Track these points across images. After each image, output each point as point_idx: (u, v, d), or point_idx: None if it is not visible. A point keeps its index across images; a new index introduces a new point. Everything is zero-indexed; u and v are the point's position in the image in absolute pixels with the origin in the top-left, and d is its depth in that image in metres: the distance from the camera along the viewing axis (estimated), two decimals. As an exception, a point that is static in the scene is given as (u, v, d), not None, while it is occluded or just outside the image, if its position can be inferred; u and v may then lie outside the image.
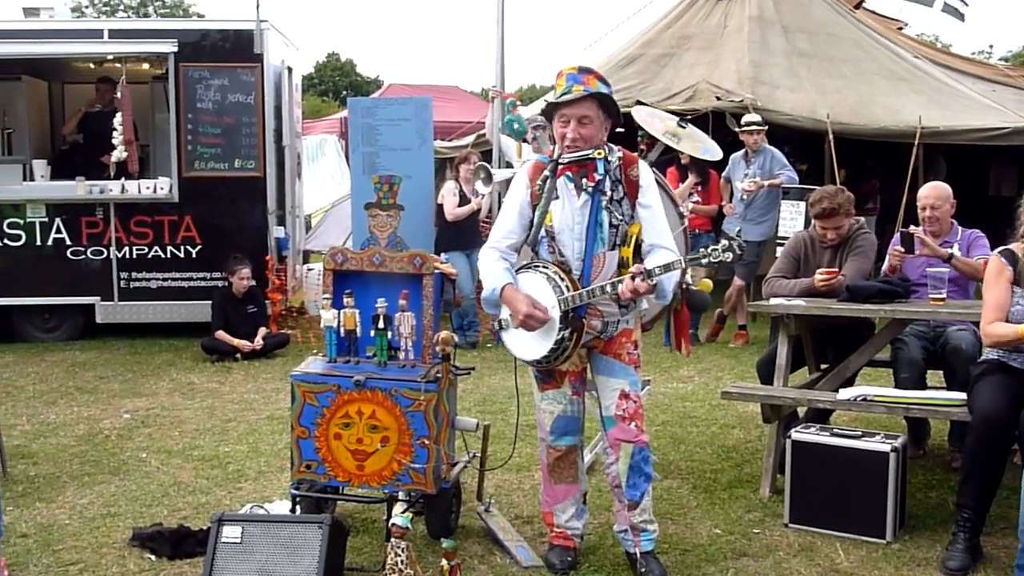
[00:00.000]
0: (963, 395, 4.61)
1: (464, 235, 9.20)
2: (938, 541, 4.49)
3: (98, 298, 9.71)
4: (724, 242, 3.74)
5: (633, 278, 3.82)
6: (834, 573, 4.25)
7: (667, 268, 3.85)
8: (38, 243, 9.63)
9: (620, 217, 4.06)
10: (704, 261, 3.79)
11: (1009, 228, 4.60)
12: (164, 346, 9.51)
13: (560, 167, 4.07)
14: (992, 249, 4.88)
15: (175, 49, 9.59)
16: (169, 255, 9.74)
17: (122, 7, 52.85)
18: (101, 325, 9.78)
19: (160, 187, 9.69)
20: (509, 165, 8.50)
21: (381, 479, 4.29)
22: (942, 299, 5.12)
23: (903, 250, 5.57)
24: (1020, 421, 4.22)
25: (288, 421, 4.42)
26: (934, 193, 5.69)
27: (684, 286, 5.12)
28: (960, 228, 5.70)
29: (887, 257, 5.70)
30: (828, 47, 12.85)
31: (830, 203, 5.62)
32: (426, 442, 4.21)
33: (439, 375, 4.28)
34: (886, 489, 4.54)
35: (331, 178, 17.62)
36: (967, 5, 14.62)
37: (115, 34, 9.94)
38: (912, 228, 5.64)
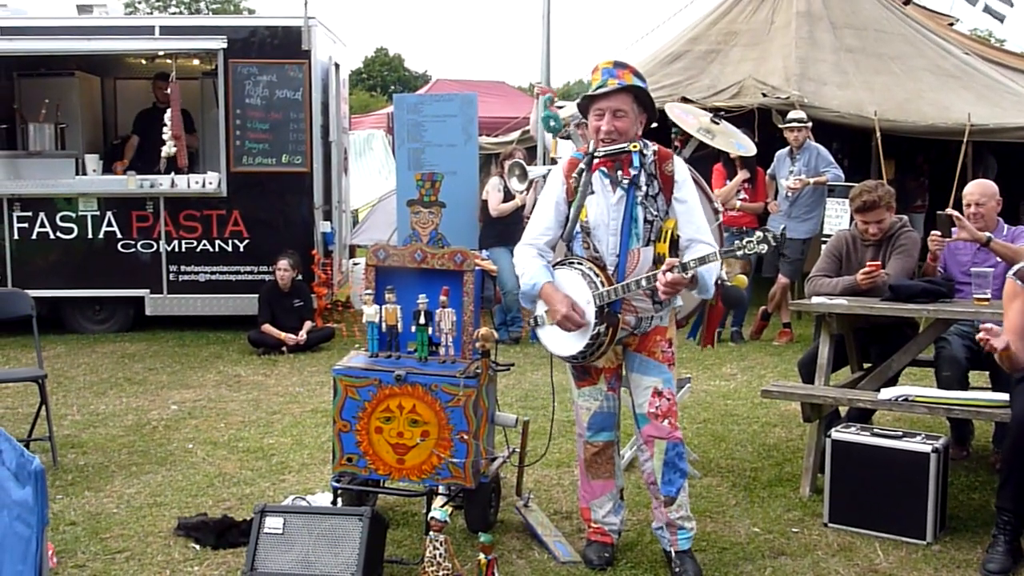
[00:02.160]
0: (1006, 396, 4.57)
1: (508, 231, 9.23)
2: (979, 543, 4.46)
3: (147, 291, 9.86)
4: (759, 234, 3.73)
5: (666, 272, 3.82)
6: (873, 573, 4.23)
7: (702, 261, 3.84)
8: (89, 236, 9.80)
9: (655, 213, 4.07)
10: (739, 253, 3.79)
11: None
12: (211, 339, 9.66)
13: (596, 161, 4.07)
14: None
15: (224, 45, 9.71)
16: (217, 249, 9.87)
17: (174, 3, 53.50)
18: (150, 317, 9.94)
19: (209, 182, 9.83)
20: (555, 161, 8.52)
21: (421, 473, 4.33)
22: (987, 299, 5.07)
23: (940, 234, 5.52)
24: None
25: (331, 414, 4.47)
26: (979, 190, 5.64)
27: (719, 281, 5.10)
28: (1006, 225, 5.64)
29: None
30: (876, 43, 12.70)
31: (870, 196, 5.58)
32: (465, 437, 4.25)
33: (479, 371, 4.32)
34: (927, 490, 4.52)
35: (378, 172, 17.75)
36: (1012, 6, 14.38)
37: (166, 30, 10.09)
38: (949, 211, 5.58)
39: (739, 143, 5.76)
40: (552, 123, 7.58)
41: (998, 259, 5.36)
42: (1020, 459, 4.27)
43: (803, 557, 4.39)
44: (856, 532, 4.63)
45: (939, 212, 5.50)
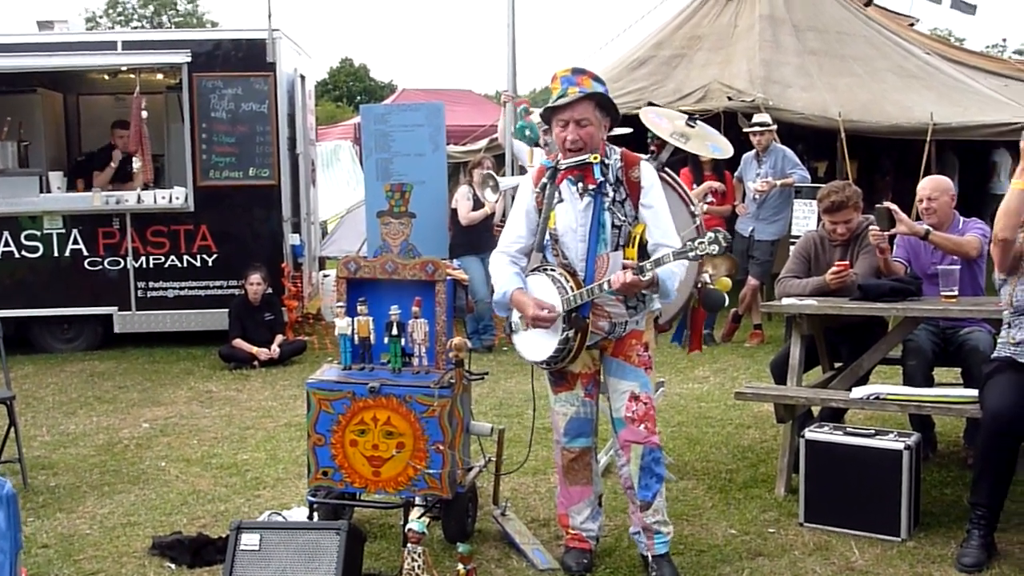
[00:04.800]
0: (975, 392, 4.62)
1: (478, 239, 9.26)
2: (953, 538, 4.50)
3: (116, 308, 9.77)
4: (710, 235, 3.74)
5: (624, 270, 3.85)
6: (849, 571, 4.25)
7: (658, 263, 3.85)
8: (55, 254, 9.69)
9: (623, 218, 4.09)
10: (691, 255, 3.79)
11: None
12: (182, 355, 9.57)
13: (561, 172, 4.11)
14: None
15: (188, 59, 9.65)
16: (186, 264, 9.80)
17: (136, 17, 53.17)
18: (119, 335, 9.85)
19: (175, 197, 9.75)
20: (523, 170, 8.52)
21: (397, 485, 4.31)
22: (954, 296, 5.13)
23: (879, 229, 5.57)
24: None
25: (305, 428, 4.45)
26: (931, 185, 5.71)
27: (700, 285, 5.13)
28: (961, 219, 5.71)
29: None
30: (839, 45, 12.82)
31: (838, 196, 5.63)
32: (441, 447, 4.24)
33: (452, 381, 4.31)
34: (900, 487, 4.55)
35: (346, 183, 17.71)
36: (974, 9, 14.59)
37: (128, 45, 10.01)
38: (887, 204, 5.64)
39: (714, 145, 5.77)
40: (528, 133, 7.61)
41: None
42: (993, 454, 4.32)
43: (780, 557, 4.41)
44: (832, 531, 4.66)
45: (877, 206, 5.57)
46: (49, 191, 9.83)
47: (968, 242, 5.46)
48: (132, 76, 10.05)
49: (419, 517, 4.00)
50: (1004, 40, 47.69)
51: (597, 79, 4.10)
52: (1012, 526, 4.50)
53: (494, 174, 8.48)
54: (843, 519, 4.67)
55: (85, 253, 9.72)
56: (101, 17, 52.30)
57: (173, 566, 4.42)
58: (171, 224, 9.76)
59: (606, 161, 4.09)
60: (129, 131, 9.92)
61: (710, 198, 9.40)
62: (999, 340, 4.63)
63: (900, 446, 4.59)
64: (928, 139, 11.07)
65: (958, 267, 5.28)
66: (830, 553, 4.44)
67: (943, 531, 4.63)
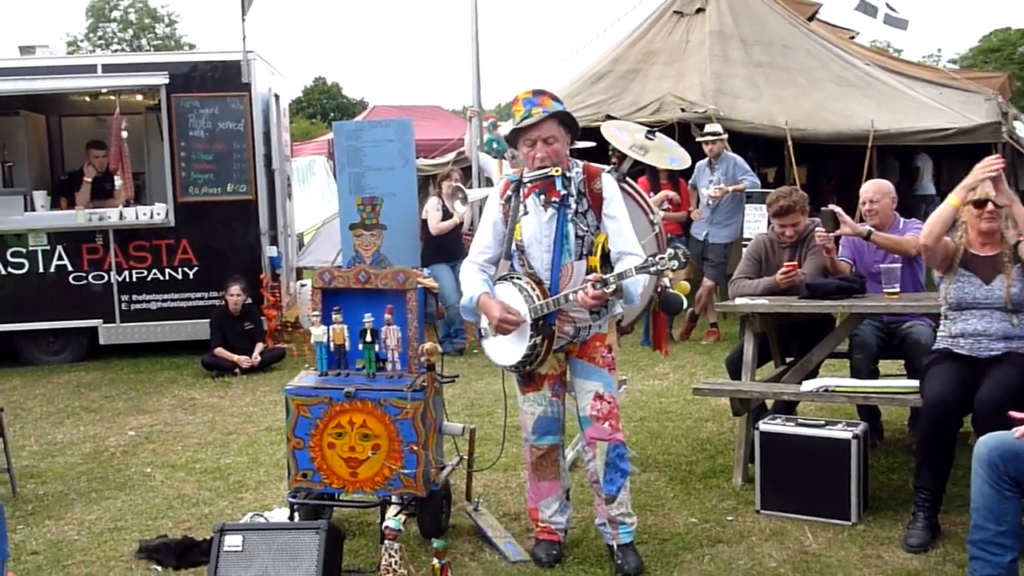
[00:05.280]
0: (917, 382, 4.67)
1: (448, 248, 9.26)
2: (900, 521, 4.54)
3: (100, 321, 9.67)
4: (670, 251, 3.77)
5: (589, 286, 3.85)
6: (803, 555, 4.27)
7: (620, 277, 3.88)
8: (41, 270, 9.58)
9: (586, 228, 4.10)
10: (652, 269, 3.81)
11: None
12: (166, 364, 9.48)
13: (526, 186, 4.13)
14: None
15: (166, 81, 9.58)
16: (167, 277, 9.70)
17: (116, 40, 52.70)
18: (104, 346, 9.74)
19: (156, 212, 9.66)
20: (490, 182, 8.52)
21: (374, 484, 4.29)
22: (896, 293, 5.18)
23: (824, 230, 5.63)
24: (975, 403, 4.27)
25: (284, 433, 4.42)
26: (873, 188, 5.77)
27: (660, 289, 5.14)
28: (902, 220, 5.78)
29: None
30: (784, 58, 12.94)
31: (786, 201, 5.69)
32: (415, 448, 4.22)
33: (425, 384, 4.30)
34: (849, 474, 4.59)
35: (321, 197, 17.64)
36: (905, 24, 14.85)
37: (108, 68, 9.92)
38: (832, 207, 5.70)
39: (672, 157, 5.79)
40: (496, 146, 7.62)
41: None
42: (933, 441, 4.37)
43: (738, 543, 4.43)
44: (786, 517, 4.68)
45: (822, 208, 5.63)
46: (33, 209, 9.69)
47: (908, 241, 5.51)
48: (112, 98, 9.96)
49: (395, 515, 3.99)
50: (939, 51, 48.49)
51: (556, 98, 4.13)
52: (954, 508, 4.54)
53: (462, 186, 8.47)
54: (797, 505, 4.70)
55: (70, 268, 9.61)
56: (82, 41, 51.81)
57: (159, 568, 4.37)
58: (153, 239, 9.67)
59: (568, 174, 4.11)
60: (102, 151, 9.88)
61: (666, 205, 9.45)
62: (938, 333, 4.69)
63: (848, 435, 4.63)
64: (869, 145, 11.21)
65: (899, 265, 5.34)
66: (785, 538, 4.47)
67: (891, 514, 4.67)
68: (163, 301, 9.72)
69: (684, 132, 10.62)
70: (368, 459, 4.26)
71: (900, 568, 4.08)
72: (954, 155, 13.21)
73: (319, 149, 20.05)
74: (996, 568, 3.52)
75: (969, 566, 3.60)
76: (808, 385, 5.10)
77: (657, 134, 5.82)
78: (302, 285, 11.14)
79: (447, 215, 9.33)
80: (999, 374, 4.31)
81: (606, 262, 4.05)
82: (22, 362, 9.64)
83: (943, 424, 4.33)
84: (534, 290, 4.04)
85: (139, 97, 10.51)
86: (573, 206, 4.09)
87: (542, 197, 4.11)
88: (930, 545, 4.27)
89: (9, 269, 9.55)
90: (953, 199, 4.44)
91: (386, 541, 3.87)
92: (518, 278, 4.12)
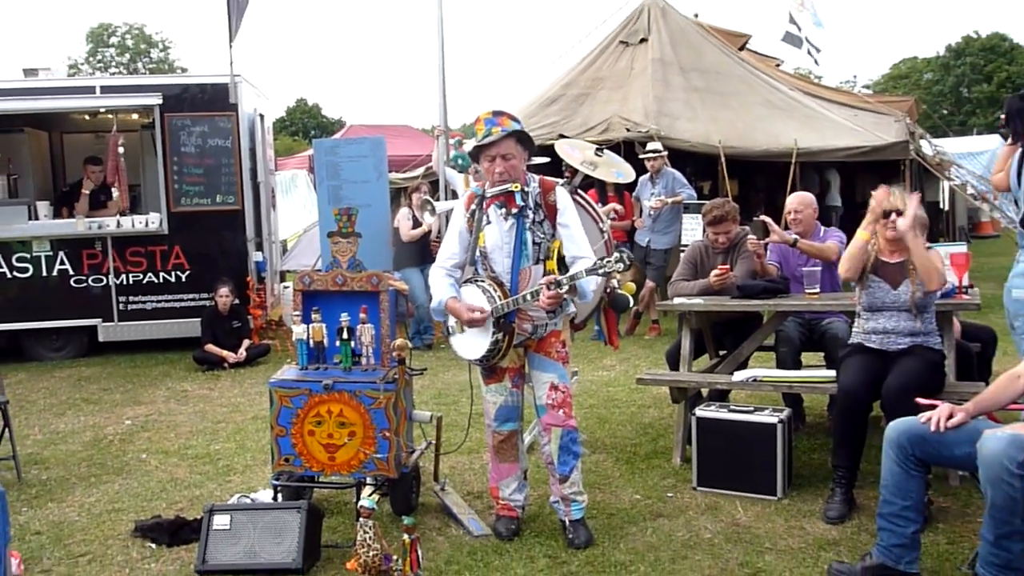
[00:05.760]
0: (834, 373, 4.72)
1: (418, 253, 9.24)
2: (820, 495, 4.58)
3: (100, 320, 9.53)
4: (616, 255, 3.79)
5: (547, 287, 3.87)
6: (735, 527, 4.30)
7: (573, 278, 3.89)
8: (44, 274, 9.43)
9: (542, 236, 4.11)
10: (601, 271, 3.83)
11: None
12: (160, 359, 9.36)
13: (487, 199, 4.14)
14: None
15: (160, 101, 9.47)
16: (162, 280, 9.59)
17: (114, 64, 51.95)
18: (103, 343, 9.60)
19: (151, 221, 9.55)
20: (455, 194, 8.49)
21: (350, 467, 4.28)
22: (816, 293, 5.24)
23: (756, 238, 5.69)
24: (883, 390, 4.33)
25: (268, 421, 4.39)
26: (797, 200, 5.85)
27: (609, 290, 5.16)
28: (823, 228, 5.85)
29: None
30: (718, 83, 13.03)
31: (719, 211, 5.74)
32: (387, 434, 4.21)
33: (396, 376, 4.29)
34: (775, 454, 4.63)
35: (303, 207, 17.50)
36: (819, 51, 15.10)
37: (106, 90, 9.81)
38: (762, 217, 5.76)
39: (619, 172, 5.81)
40: (460, 162, 7.62)
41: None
42: (848, 425, 4.42)
43: (677, 517, 4.45)
44: (720, 493, 4.72)
45: (754, 219, 5.69)
46: (37, 218, 9.56)
47: (828, 248, 5.59)
48: (110, 116, 9.85)
49: (369, 495, 3.97)
50: (854, 77, 49.13)
51: (514, 118, 4.14)
52: (868, 484, 4.58)
53: (430, 198, 8.49)
54: (729, 483, 4.73)
55: (71, 272, 9.46)
56: (82, 64, 50.98)
57: (154, 546, 4.31)
58: (148, 245, 9.55)
59: (526, 188, 4.12)
60: (99, 167, 9.76)
61: (613, 215, 9.49)
62: (853, 329, 4.74)
63: (774, 420, 4.67)
64: (793, 161, 11.34)
65: (819, 268, 5.40)
66: (719, 512, 4.50)
67: (812, 490, 4.72)
68: (157, 302, 9.60)
69: (629, 149, 10.68)
70: (345, 445, 4.25)
71: (820, 538, 4.12)
72: (868, 170, 13.41)
73: (301, 164, 19.86)
74: (901, 538, 3.56)
75: (878, 536, 3.64)
76: (739, 375, 5.14)
77: (605, 151, 5.84)
78: (285, 287, 11.07)
79: (417, 224, 9.32)
80: (904, 365, 4.37)
81: (561, 265, 4.07)
82: (27, 358, 9.48)
83: (856, 410, 4.38)
84: (496, 291, 4.04)
85: (135, 116, 10.37)
86: (531, 216, 4.10)
87: (503, 209, 4.12)
88: (846, 517, 4.31)
89: (15, 273, 9.39)
90: (863, 233, 4.48)
91: (361, 519, 3.85)
92: (482, 281, 4.12)
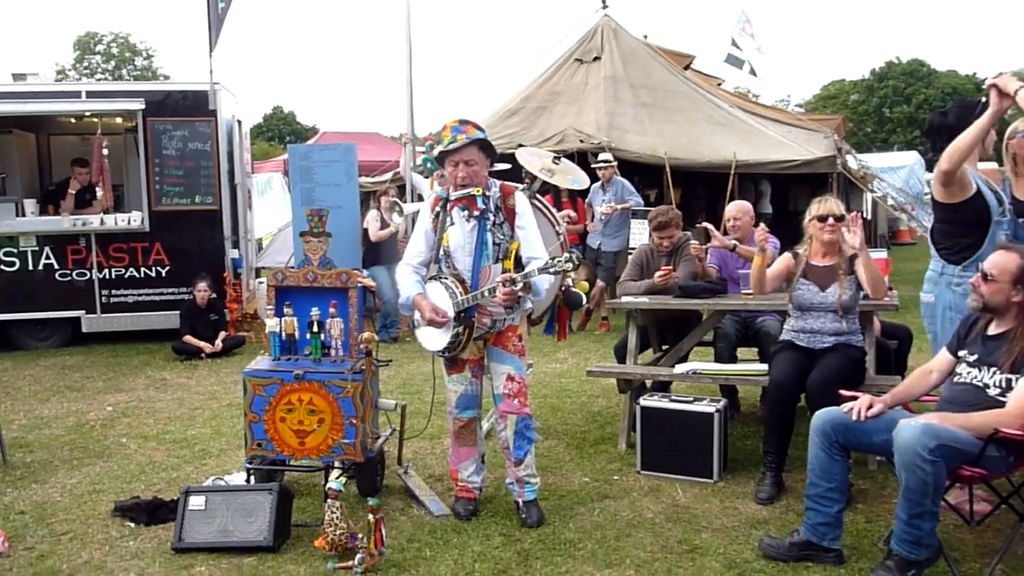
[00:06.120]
0: (766, 367, 4.77)
1: (385, 252, 9.18)
2: (752, 479, 4.62)
3: (83, 312, 9.34)
4: (566, 255, 3.80)
5: (502, 285, 3.88)
6: (675, 507, 4.33)
7: (526, 276, 3.89)
8: (30, 268, 9.23)
9: (502, 237, 4.10)
10: (552, 270, 3.84)
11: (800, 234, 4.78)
12: (140, 349, 9.20)
13: (451, 201, 4.12)
14: (784, 250, 5.06)
15: (143, 106, 9.30)
16: (143, 275, 9.42)
17: (100, 70, 50.93)
18: (86, 334, 9.41)
19: (133, 219, 9.38)
20: (421, 197, 8.45)
21: (319, 452, 4.23)
22: (751, 294, 5.28)
23: (698, 243, 5.74)
24: (807, 384, 4.38)
25: (242, 408, 4.33)
26: (736, 208, 5.91)
27: (564, 288, 5.16)
28: None
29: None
30: (665, 100, 13.12)
31: (664, 217, 5.78)
32: (354, 421, 4.18)
33: (363, 367, 4.25)
34: (712, 441, 4.66)
35: (278, 208, 17.29)
36: (757, 76, 15.30)
37: (91, 95, 9.60)
38: (704, 224, 5.82)
39: (574, 179, 5.82)
40: (429, 166, 7.60)
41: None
42: (777, 414, 4.47)
43: (622, 498, 4.47)
44: (662, 476, 4.74)
45: (696, 225, 5.75)
46: (24, 215, 9.34)
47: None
48: (95, 120, 9.63)
49: (337, 477, 3.93)
50: (788, 96, 49.62)
51: (478, 127, 4.12)
52: (796, 468, 4.64)
53: (398, 201, 8.43)
54: (670, 467, 4.76)
55: (56, 266, 9.27)
56: (70, 70, 49.85)
57: (132, 525, 4.23)
58: (130, 242, 9.39)
59: (487, 193, 4.10)
60: (85, 169, 9.57)
61: (567, 219, 9.50)
62: (784, 327, 4.79)
63: (712, 409, 4.71)
64: (732, 172, 11.45)
65: (753, 271, 5.44)
66: (660, 493, 4.52)
67: (745, 473, 4.76)
68: (139, 295, 9.44)
69: (582, 159, 10.70)
70: (314, 431, 4.21)
71: (752, 517, 4.17)
72: (800, 182, 13.60)
73: (276, 167, 19.64)
74: (826, 517, 3.62)
75: (805, 515, 3.69)
76: (680, 368, 5.18)
77: (562, 159, 5.85)
78: (259, 282, 10.94)
79: (385, 225, 9.27)
80: (829, 361, 4.43)
81: (518, 265, 4.07)
82: (13, 347, 9.26)
83: (786, 401, 4.43)
84: (458, 288, 4.03)
85: (119, 120, 10.17)
86: (491, 219, 4.09)
87: (465, 211, 4.10)
88: (776, 498, 4.36)
89: (2, 267, 9.19)
90: (757, 259, 4.59)
91: (329, 500, 3.82)
92: (445, 278, 4.11)
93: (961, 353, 3.67)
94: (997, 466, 3.40)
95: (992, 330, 3.60)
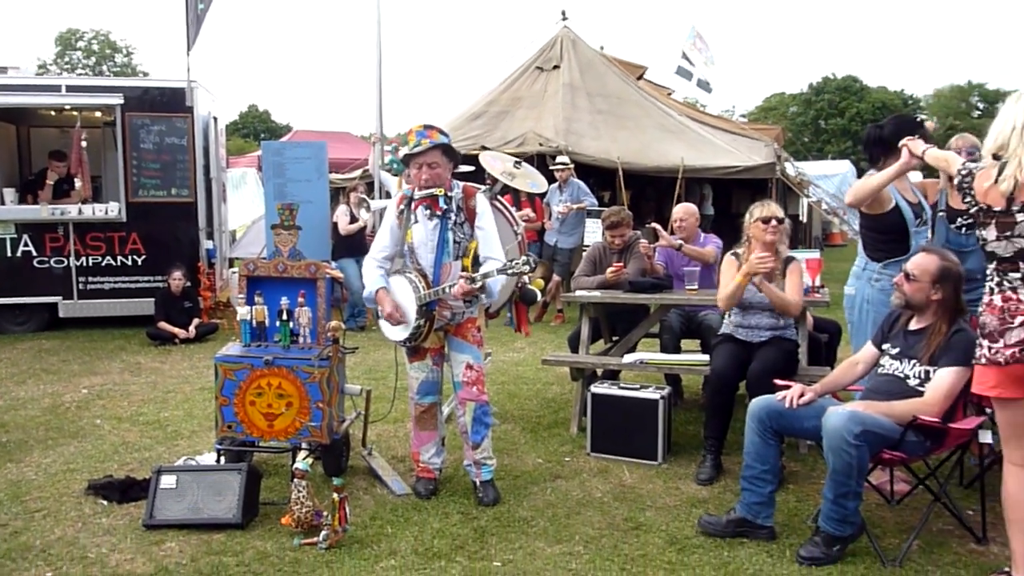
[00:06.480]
0: (707, 357, 4.81)
1: (354, 245, 9.08)
2: (693, 461, 4.67)
3: (60, 297, 9.10)
4: (523, 258, 3.81)
5: (460, 282, 3.88)
6: (622, 487, 4.36)
7: (485, 276, 3.88)
8: (9, 254, 8.96)
9: (462, 236, 4.08)
10: (509, 271, 3.83)
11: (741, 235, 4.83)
12: (116, 335, 8.99)
13: (416, 201, 4.09)
14: (727, 250, 5.10)
15: (121, 101, 9.08)
16: (119, 263, 9.20)
17: (81, 66, 49.70)
18: (63, 319, 9.17)
19: (110, 209, 9.15)
20: (389, 194, 8.37)
21: (287, 434, 4.18)
22: (695, 290, 5.34)
23: (647, 242, 5.78)
24: (747, 374, 4.44)
25: (214, 392, 4.26)
26: (682, 210, 5.95)
27: (520, 284, 5.15)
28: (703, 234, 5.96)
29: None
30: (619, 107, 13.17)
31: (616, 217, 5.80)
32: (321, 405, 4.13)
33: (330, 354, 4.20)
34: (657, 426, 4.69)
35: (251, 201, 17.00)
36: (711, 89, 15.42)
37: (71, 89, 9.34)
38: (653, 224, 5.86)
39: (533, 182, 5.81)
40: (396, 166, 7.53)
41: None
42: (717, 401, 4.52)
43: (573, 479, 4.49)
44: (610, 458, 4.76)
45: (646, 225, 5.78)
46: (3, 203, 9.06)
47: (708, 252, 5.69)
48: (75, 113, 9.38)
49: (304, 458, 3.89)
50: (733, 107, 50.15)
51: (442, 132, 4.09)
52: (733, 451, 4.67)
53: (366, 197, 8.35)
54: (617, 449, 4.78)
55: (35, 254, 9.01)
56: (51, 65, 48.57)
57: (105, 503, 4.14)
58: (107, 231, 9.16)
59: (449, 194, 4.08)
60: (62, 161, 9.30)
61: (525, 218, 9.49)
62: (724, 321, 4.84)
63: (657, 396, 4.74)
64: (680, 176, 11.54)
65: (699, 269, 5.50)
66: (608, 474, 4.55)
67: (687, 456, 4.80)
68: (115, 283, 9.22)
69: (541, 161, 10.70)
70: (282, 414, 4.15)
71: (693, 496, 4.21)
72: (742, 186, 13.76)
73: (251, 163, 19.31)
74: (760, 496, 3.67)
75: (741, 495, 3.73)
76: (628, 358, 5.21)
77: (523, 164, 5.83)
78: (232, 272, 10.77)
79: (354, 219, 9.16)
80: (765, 353, 4.50)
81: (476, 263, 4.05)
82: (-9, 331, 9.01)
83: (725, 389, 4.48)
84: (421, 282, 4.01)
85: (98, 114, 9.90)
86: (453, 218, 4.07)
87: (428, 210, 4.07)
88: (715, 479, 4.41)
89: (-19, 253, 8.90)
90: (739, 279, 4.50)
91: (296, 479, 3.78)
92: (409, 272, 4.08)
93: (884, 346, 3.75)
94: (915, 450, 3.48)
95: (913, 325, 3.67)
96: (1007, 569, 3.24)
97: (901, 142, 3.83)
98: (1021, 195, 3.01)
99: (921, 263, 3.62)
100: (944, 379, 3.45)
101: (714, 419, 4.50)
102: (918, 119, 4.20)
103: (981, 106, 50.77)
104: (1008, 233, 3.04)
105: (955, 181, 3.27)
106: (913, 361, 3.58)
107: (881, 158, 4.11)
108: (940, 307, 3.57)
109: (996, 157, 3.10)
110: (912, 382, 3.56)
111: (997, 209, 3.06)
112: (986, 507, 3.73)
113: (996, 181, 3.05)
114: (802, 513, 3.95)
